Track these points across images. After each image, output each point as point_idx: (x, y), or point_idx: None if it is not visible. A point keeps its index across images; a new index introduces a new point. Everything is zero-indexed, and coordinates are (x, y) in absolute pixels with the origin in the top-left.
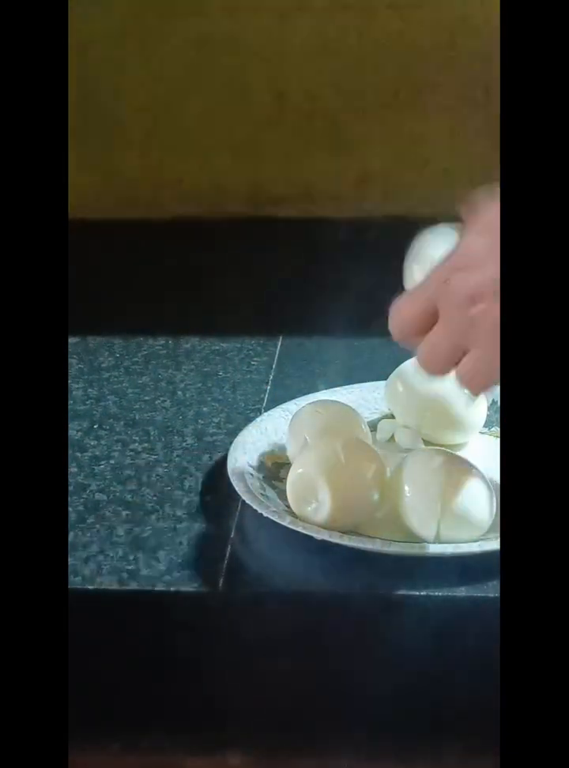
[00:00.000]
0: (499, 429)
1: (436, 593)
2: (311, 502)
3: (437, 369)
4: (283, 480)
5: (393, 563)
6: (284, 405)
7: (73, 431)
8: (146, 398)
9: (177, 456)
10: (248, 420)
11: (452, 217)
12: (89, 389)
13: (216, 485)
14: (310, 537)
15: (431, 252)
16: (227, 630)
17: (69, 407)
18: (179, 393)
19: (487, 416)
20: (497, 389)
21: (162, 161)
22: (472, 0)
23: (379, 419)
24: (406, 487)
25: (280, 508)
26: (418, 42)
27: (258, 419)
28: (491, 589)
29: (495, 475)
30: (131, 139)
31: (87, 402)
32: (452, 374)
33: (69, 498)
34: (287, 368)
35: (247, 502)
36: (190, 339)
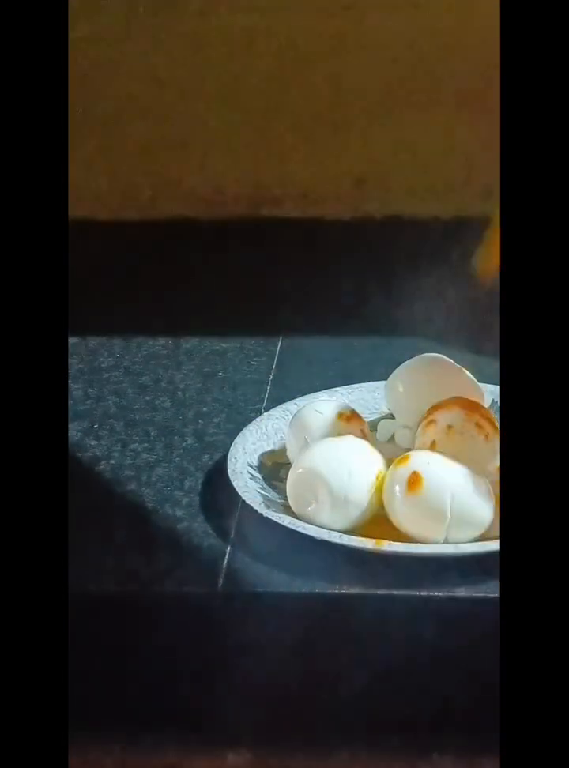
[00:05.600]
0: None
1: (436, 593)
2: (311, 502)
3: None
4: (283, 479)
5: (393, 563)
6: (284, 405)
7: (73, 431)
8: (146, 398)
9: (177, 456)
10: (248, 420)
11: (451, 218)
12: (89, 389)
13: (216, 485)
14: (310, 537)
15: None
16: (227, 630)
17: (69, 407)
18: (179, 393)
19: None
20: (497, 390)
21: (162, 161)
22: (472, 0)
23: (379, 419)
24: (408, 489)
25: (280, 508)
26: (418, 42)
27: (258, 419)
28: (491, 589)
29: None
30: (131, 139)
31: (87, 402)
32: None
33: (69, 498)
34: (287, 368)
35: (247, 502)
36: (190, 339)
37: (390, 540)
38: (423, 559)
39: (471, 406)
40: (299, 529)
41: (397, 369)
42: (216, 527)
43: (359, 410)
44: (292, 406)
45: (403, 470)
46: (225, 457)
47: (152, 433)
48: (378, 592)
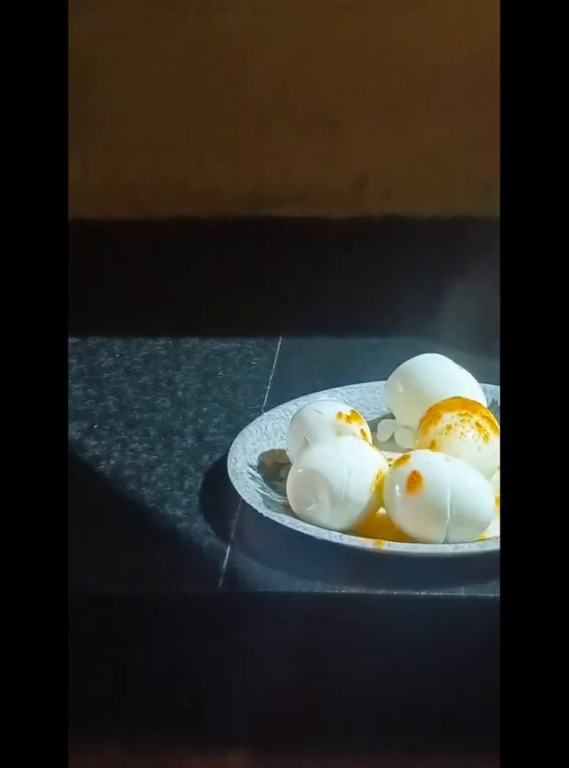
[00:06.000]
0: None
1: (436, 593)
2: (311, 502)
3: None
4: (283, 480)
5: (393, 563)
6: (284, 405)
7: (73, 431)
8: (146, 398)
9: (177, 456)
10: (248, 420)
11: (451, 217)
12: (89, 389)
13: (216, 485)
14: (311, 537)
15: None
16: (227, 630)
17: (69, 407)
18: (179, 393)
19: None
20: (497, 390)
21: (162, 161)
22: (472, 0)
23: (379, 419)
24: (408, 489)
25: (280, 508)
26: (418, 42)
27: (258, 419)
28: (491, 589)
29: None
30: (131, 139)
31: (87, 402)
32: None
33: (69, 498)
34: (287, 368)
35: (247, 502)
36: (190, 339)
37: (389, 540)
38: (423, 559)
39: (471, 406)
40: (299, 529)
41: (397, 369)
42: (216, 527)
43: (359, 410)
44: (291, 406)
45: (403, 470)
46: (225, 457)
47: (152, 433)
48: (378, 592)
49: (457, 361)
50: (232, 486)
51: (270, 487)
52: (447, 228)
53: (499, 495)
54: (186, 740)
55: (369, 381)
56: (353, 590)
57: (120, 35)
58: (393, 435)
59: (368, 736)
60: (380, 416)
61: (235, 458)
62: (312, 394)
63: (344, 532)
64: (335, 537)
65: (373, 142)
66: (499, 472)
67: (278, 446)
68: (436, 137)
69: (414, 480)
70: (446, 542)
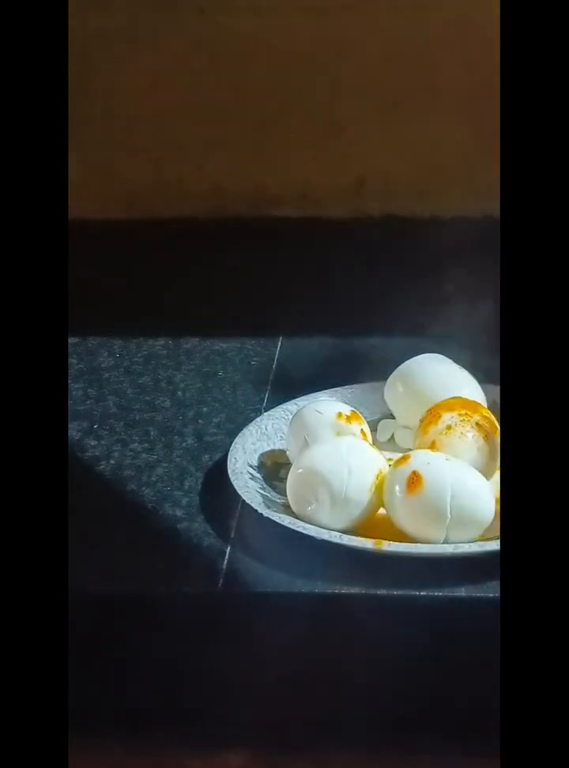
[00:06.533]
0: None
1: (436, 593)
2: (311, 502)
3: None
4: (283, 480)
5: (393, 563)
6: (284, 405)
7: (73, 431)
8: (146, 398)
9: (177, 456)
10: (248, 420)
11: (451, 217)
12: (89, 389)
13: (216, 485)
14: (311, 537)
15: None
16: (227, 630)
17: (69, 407)
18: (179, 393)
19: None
20: (497, 390)
21: (162, 161)
22: (472, 0)
23: (379, 419)
24: (408, 489)
25: (280, 508)
26: (418, 42)
27: (258, 419)
28: (491, 589)
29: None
30: (131, 139)
31: (87, 402)
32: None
33: (69, 498)
34: (287, 368)
35: (247, 502)
36: (190, 339)
37: (389, 540)
38: (423, 559)
39: (471, 406)
40: (299, 529)
41: (397, 369)
42: (216, 527)
43: (359, 410)
44: (291, 406)
45: (403, 470)
46: (225, 457)
47: (152, 433)
48: (378, 593)
49: (457, 361)
50: (232, 486)
51: (270, 487)
52: (447, 228)
53: (499, 495)
54: (186, 740)
55: (369, 381)
56: (353, 590)
57: (120, 35)
58: (393, 435)
59: (368, 736)
60: (380, 416)
61: (235, 458)
62: (312, 394)
63: (344, 532)
64: (335, 537)
65: (373, 142)
66: (499, 472)
67: (278, 446)
68: (436, 137)
69: (414, 480)
70: (446, 542)
